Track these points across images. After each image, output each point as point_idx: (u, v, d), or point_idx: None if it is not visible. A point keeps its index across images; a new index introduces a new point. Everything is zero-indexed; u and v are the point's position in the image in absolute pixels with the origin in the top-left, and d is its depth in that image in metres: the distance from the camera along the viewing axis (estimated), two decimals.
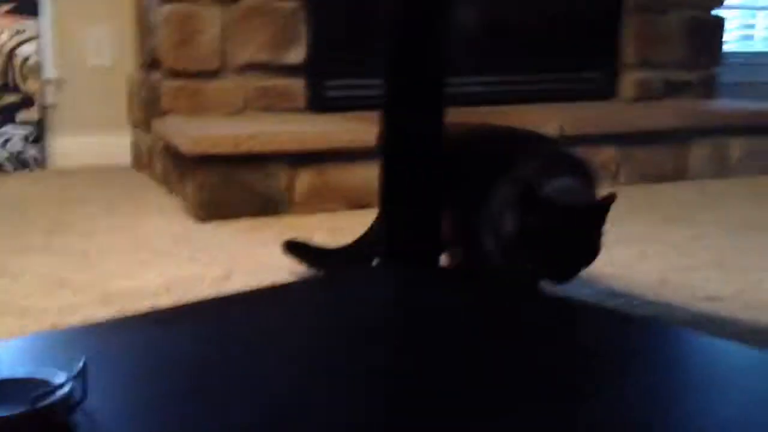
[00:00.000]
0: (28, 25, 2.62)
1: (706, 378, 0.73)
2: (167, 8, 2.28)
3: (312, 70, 2.42)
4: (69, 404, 0.66)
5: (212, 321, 0.92)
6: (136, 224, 1.98)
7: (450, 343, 0.83)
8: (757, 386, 0.70)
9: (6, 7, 2.61)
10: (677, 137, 2.61)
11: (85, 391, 0.68)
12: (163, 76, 2.32)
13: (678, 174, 2.63)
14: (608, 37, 2.88)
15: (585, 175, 1.27)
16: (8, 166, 2.65)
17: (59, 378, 0.67)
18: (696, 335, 0.89)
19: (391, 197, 1.17)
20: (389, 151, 1.16)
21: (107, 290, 1.48)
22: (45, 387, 0.65)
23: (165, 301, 1.42)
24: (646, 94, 2.94)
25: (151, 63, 2.45)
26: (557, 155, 1.33)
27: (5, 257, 1.69)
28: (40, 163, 2.69)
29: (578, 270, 1.20)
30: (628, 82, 2.93)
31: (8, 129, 2.64)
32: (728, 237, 1.89)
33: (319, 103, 2.43)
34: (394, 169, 1.16)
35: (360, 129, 2.13)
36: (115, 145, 2.78)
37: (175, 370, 0.78)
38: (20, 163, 2.66)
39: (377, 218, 1.36)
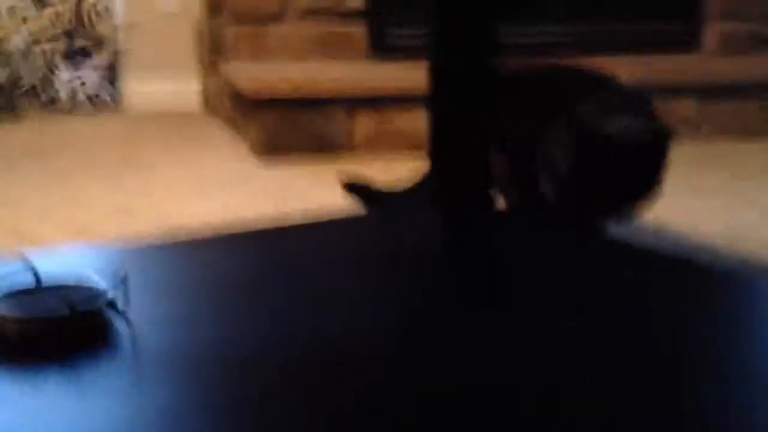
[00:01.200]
0: None
1: None
2: None
3: (373, 16, 2.37)
4: (110, 310, 0.68)
5: (259, 248, 0.91)
6: (199, 162, 2.02)
7: (503, 287, 0.79)
8: None
9: None
10: (763, 92, 2.46)
11: (127, 300, 0.69)
12: (226, 21, 2.30)
13: (764, 131, 2.48)
14: None
15: (645, 113, 1.21)
16: (85, 107, 2.70)
17: (102, 285, 0.69)
18: None
19: (438, 145, 1.14)
20: (435, 99, 1.13)
21: (164, 217, 1.53)
22: (88, 293, 0.68)
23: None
24: (731, 47, 2.79)
25: (215, 7, 2.44)
26: (616, 93, 1.28)
27: (75, 187, 1.75)
28: (115, 105, 2.73)
29: (634, 207, 1.15)
30: (712, 33, 2.78)
31: (84, 71, 2.69)
32: None
33: (380, 50, 2.38)
34: (440, 116, 1.13)
35: (420, 75, 2.07)
36: (186, 90, 2.80)
37: (217, 291, 0.77)
38: (96, 104, 2.71)
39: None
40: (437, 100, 1.14)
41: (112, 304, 0.68)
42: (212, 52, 2.52)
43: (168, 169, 1.93)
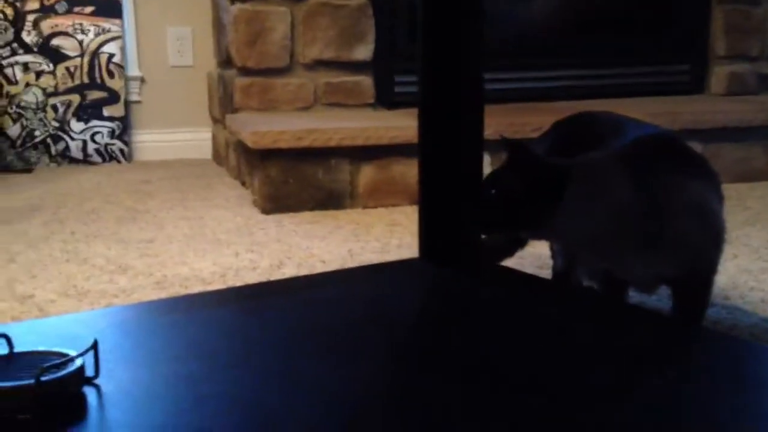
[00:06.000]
0: (111, 25, 2.73)
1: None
2: (236, 7, 2.32)
3: (380, 66, 2.41)
4: (79, 378, 0.69)
5: (241, 307, 0.92)
6: (203, 215, 2.03)
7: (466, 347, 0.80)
8: None
9: (90, 8, 2.72)
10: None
11: (97, 368, 0.70)
12: (235, 74, 2.36)
13: None
14: (697, 29, 2.76)
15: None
16: (97, 158, 2.77)
17: (72, 353, 0.69)
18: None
19: (429, 196, 1.14)
20: (426, 150, 1.13)
21: (164, 276, 1.54)
22: (58, 360, 0.68)
23: (216, 287, 1.45)
24: (737, 89, 2.79)
25: (225, 61, 2.50)
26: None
27: (76, 243, 1.77)
28: (127, 156, 2.79)
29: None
30: (719, 75, 2.79)
31: (96, 123, 2.76)
32: None
33: (387, 99, 2.42)
34: (431, 168, 1.14)
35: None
36: (197, 140, 2.86)
37: (193, 355, 0.78)
38: (108, 155, 2.77)
39: None
40: (427, 149, 1.14)
41: (80, 372, 0.69)
42: (222, 104, 2.57)
43: (170, 224, 1.95)
